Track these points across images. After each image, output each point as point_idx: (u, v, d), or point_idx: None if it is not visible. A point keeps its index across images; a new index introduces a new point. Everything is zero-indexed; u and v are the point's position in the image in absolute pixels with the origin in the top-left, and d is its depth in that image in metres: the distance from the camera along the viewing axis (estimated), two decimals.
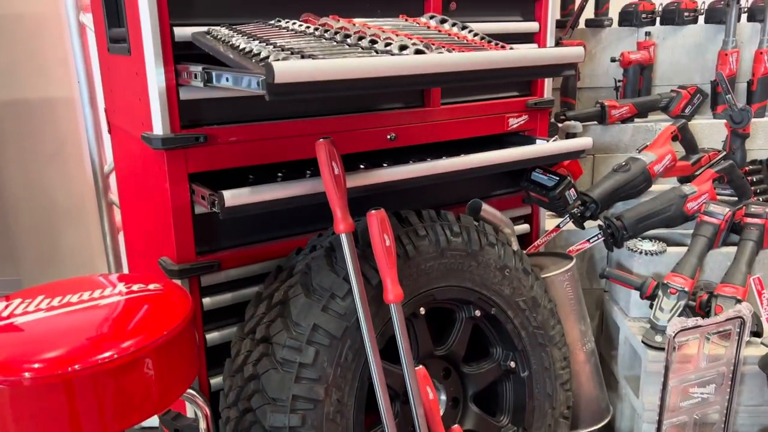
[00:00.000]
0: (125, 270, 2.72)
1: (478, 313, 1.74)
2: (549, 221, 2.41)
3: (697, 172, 2.44)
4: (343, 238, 1.47)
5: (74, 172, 2.97)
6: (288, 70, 1.09)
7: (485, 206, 1.88)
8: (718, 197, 2.37)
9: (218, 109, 1.62)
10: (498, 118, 2.13)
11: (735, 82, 2.87)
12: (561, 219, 2.31)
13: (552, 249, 2.36)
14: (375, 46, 1.33)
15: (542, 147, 2.01)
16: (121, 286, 1.35)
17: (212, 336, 1.71)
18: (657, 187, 2.40)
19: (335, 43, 1.37)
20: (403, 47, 1.30)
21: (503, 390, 1.84)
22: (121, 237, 2.77)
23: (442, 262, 1.65)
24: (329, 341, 1.45)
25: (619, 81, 2.94)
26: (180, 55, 1.52)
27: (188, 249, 1.63)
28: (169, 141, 1.52)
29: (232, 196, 1.46)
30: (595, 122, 2.76)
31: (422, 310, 1.64)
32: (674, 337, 1.72)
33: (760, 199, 2.39)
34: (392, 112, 1.87)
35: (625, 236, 2.24)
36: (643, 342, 2.04)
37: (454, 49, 1.36)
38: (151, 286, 1.35)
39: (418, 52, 1.28)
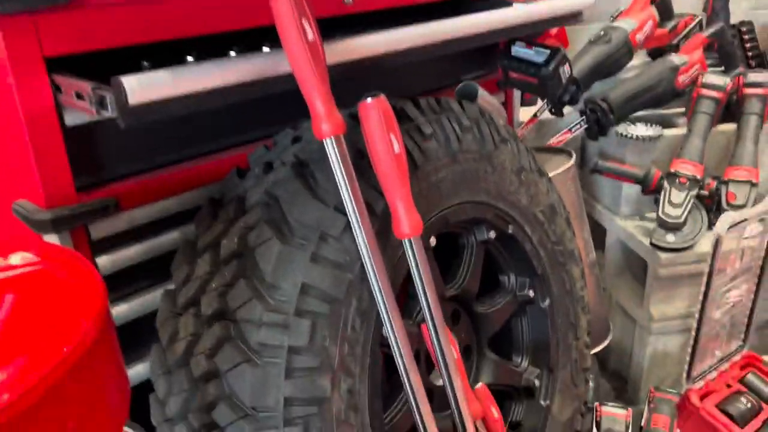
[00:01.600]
0: None
1: (492, 234, 1.30)
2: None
3: (674, 41, 2.10)
4: (331, 145, 0.94)
5: None
6: None
7: (481, 91, 1.39)
8: None
9: None
10: None
11: None
12: (538, 107, 1.89)
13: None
14: None
15: (546, 5, 1.53)
16: None
17: (120, 311, 1.13)
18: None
19: None
20: None
21: (519, 327, 1.45)
22: None
23: (454, 169, 1.16)
24: (328, 307, 0.94)
25: None
26: None
27: (62, 183, 1.01)
28: None
29: (141, 87, 0.86)
30: None
31: (433, 241, 1.16)
32: (725, 235, 1.39)
33: (753, 66, 2.11)
34: None
35: (611, 121, 1.87)
36: (652, 244, 1.72)
37: None
38: (16, 260, 0.74)
39: None
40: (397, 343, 0.98)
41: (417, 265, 1.01)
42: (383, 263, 0.97)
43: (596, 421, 1.71)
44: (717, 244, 1.40)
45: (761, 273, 1.60)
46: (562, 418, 1.43)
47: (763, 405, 1.61)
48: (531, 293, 1.40)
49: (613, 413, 1.71)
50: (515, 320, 1.44)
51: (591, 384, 1.86)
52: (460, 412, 1.09)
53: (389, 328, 0.97)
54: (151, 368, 1.04)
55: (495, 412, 1.23)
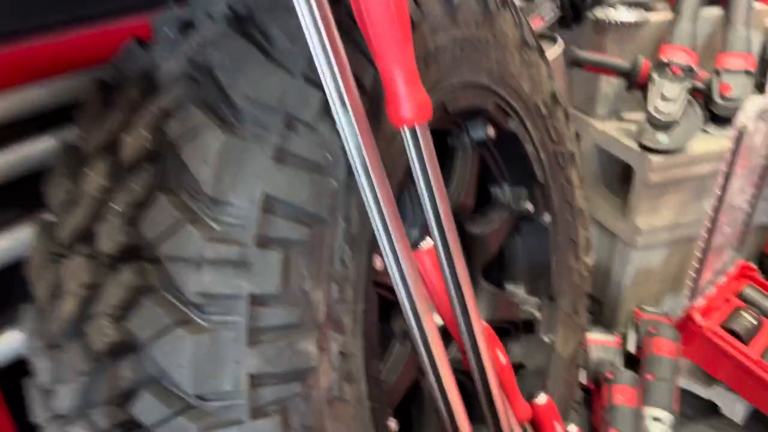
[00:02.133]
0: None
1: (491, 131, 1.00)
2: None
3: None
4: None
5: None
6: None
7: None
8: None
9: None
10: None
11: None
12: None
13: None
14: None
15: None
16: None
17: None
18: None
19: None
20: None
21: (514, 250, 1.18)
22: None
23: (455, 35, 0.84)
24: (307, 231, 0.60)
25: None
26: None
27: None
28: None
29: None
30: None
31: None
32: (748, 123, 1.16)
33: None
34: None
35: (587, 4, 1.59)
36: (642, 146, 1.49)
37: None
38: None
39: None
40: (402, 277, 0.67)
41: (423, 166, 0.69)
42: (380, 163, 0.64)
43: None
44: (740, 136, 1.17)
45: (764, 173, 1.42)
46: (566, 355, 1.20)
47: (764, 320, 1.46)
48: (530, 207, 1.12)
49: (602, 341, 1.51)
50: (509, 241, 1.17)
51: None
52: (479, 358, 0.81)
53: (391, 258, 0.66)
54: (24, 341, 0.68)
55: (502, 357, 0.97)
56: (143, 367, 0.58)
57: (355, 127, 0.61)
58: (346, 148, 0.62)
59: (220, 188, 0.58)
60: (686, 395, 1.49)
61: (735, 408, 1.41)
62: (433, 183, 0.70)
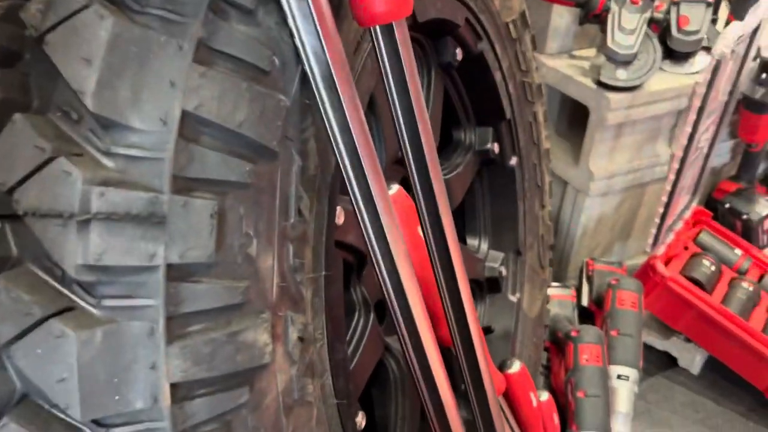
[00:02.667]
0: None
1: (459, 53, 0.82)
2: None
3: None
4: None
5: None
6: None
7: None
8: None
9: None
10: None
11: None
12: None
13: None
14: None
15: None
16: None
17: None
18: None
19: None
20: None
21: (477, 199, 1.02)
22: None
23: None
24: (248, 167, 0.41)
25: None
26: None
27: None
28: None
29: None
30: None
31: None
32: (726, 51, 1.05)
33: None
34: None
35: None
36: (600, 83, 1.37)
37: None
38: None
39: None
40: (379, 229, 0.49)
41: (401, 77, 0.51)
42: (348, 71, 0.45)
43: None
44: (718, 65, 1.06)
45: (723, 112, 1.33)
46: (533, 314, 1.07)
47: (722, 267, 1.40)
48: (495, 148, 0.97)
49: (558, 295, 1.40)
50: (472, 190, 1.01)
51: None
52: (465, 325, 0.65)
53: (363, 204, 0.48)
54: None
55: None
56: (4, 382, 0.38)
57: (314, 15, 0.42)
58: (301, 48, 0.43)
59: (112, 104, 0.37)
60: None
61: (694, 359, 1.36)
62: (413, 99, 0.52)
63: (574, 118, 1.54)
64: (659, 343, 1.40)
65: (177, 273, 0.38)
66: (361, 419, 0.60)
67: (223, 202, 0.39)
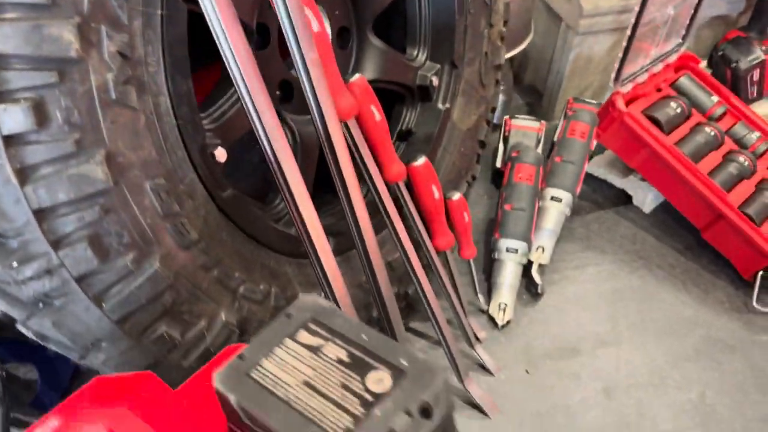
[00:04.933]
0: None
1: None
2: None
3: None
4: None
5: None
6: None
7: None
8: None
9: None
10: None
11: None
12: None
13: None
14: None
15: None
16: None
17: None
18: None
19: None
20: None
21: (416, 9, 1.08)
22: None
23: None
24: None
25: None
26: None
27: None
28: None
29: None
30: None
31: None
32: None
33: None
34: None
35: None
36: None
37: None
38: None
39: None
40: None
41: None
42: None
43: (504, 136, 1.47)
44: None
45: None
46: (464, 126, 1.16)
47: (694, 111, 1.40)
48: None
49: (524, 126, 1.46)
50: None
51: (502, 97, 1.60)
52: (318, 104, 0.76)
53: None
54: None
55: (376, 113, 0.92)
56: None
57: None
58: None
59: None
60: (602, 185, 1.48)
61: (646, 198, 1.41)
62: None
63: None
64: (618, 182, 1.45)
65: None
66: (220, 154, 0.74)
67: None
